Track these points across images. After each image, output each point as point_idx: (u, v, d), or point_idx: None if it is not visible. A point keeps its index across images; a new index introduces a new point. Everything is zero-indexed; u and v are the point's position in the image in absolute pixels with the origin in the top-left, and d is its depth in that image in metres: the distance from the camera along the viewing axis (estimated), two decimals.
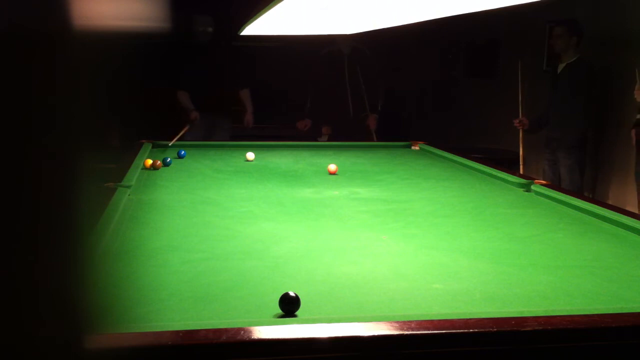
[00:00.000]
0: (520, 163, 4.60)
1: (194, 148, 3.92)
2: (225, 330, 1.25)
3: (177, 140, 3.88)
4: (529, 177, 3.19)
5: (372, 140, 5.00)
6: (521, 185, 2.88)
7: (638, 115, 3.89)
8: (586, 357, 1.36)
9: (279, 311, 1.37)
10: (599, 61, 4.45)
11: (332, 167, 3.24)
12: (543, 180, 3.24)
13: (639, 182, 3.98)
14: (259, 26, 2.84)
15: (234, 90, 5.23)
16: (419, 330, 1.28)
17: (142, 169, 3.11)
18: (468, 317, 1.34)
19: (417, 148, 4.12)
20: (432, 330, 1.28)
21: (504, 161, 4.74)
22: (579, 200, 2.51)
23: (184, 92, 5.02)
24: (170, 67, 5.08)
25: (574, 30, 4.30)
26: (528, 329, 1.29)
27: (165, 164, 3.25)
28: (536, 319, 1.33)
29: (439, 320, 1.33)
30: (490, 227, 2.24)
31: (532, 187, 2.81)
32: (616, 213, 2.28)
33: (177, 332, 1.24)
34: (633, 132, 3.98)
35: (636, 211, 2.71)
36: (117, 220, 2.09)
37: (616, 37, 4.48)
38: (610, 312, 1.41)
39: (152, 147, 3.79)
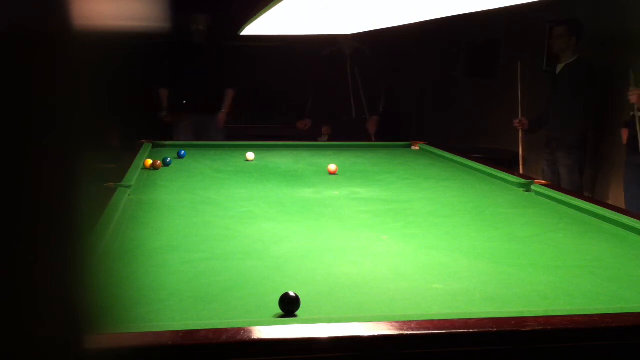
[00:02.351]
0: (520, 163, 4.60)
1: (194, 148, 3.92)
2: (225, 330, 1.25)
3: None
4: (529, 177, 3.19)
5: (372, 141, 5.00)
6: (521, 185, 2.88)
7: (632, 112, 3.86)
8: (586, 357, 1.36)
9: (279, 311, 1.37)
10: (599, 61, 4.45)
11: (332, 167, 3.24)
12: (543, 180, 3.24)
13: (627, 182, 3.95)
14: (259, 26, 2.84)
15: (221, 88, 5.19)
16: (419, 330, 1.28)
17: (142, 169, 3.11)
18: (468, 317, 1.34)
19: (417, 148, 4.12)
20: (432, 330, 1.28)
21: (504, 161, 4.75)
22: (579, 200, 2.51)
23: (164, 89, 4.99)
24: (157, 66, 5.05)
25: (574, 31, 4.30)
26: (528, 329, 1.29)
27: (165, 164, 3.25)
28: (536, 319, 1.33)
29: (439, 320, 1.33)
30: (490, 227, 2.24)
31: (532, 187, 2.81)
32: (616, 213, 2.28)
33: (177, 332, 1.24)
34: (624, 131, 3.96)
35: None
36: (117, 220, 2.09)
37: (616, 37, 4.48)
38: (610, 312, 1.41)
39: (152, 147, 3.79)
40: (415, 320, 1.31)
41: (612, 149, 4.54)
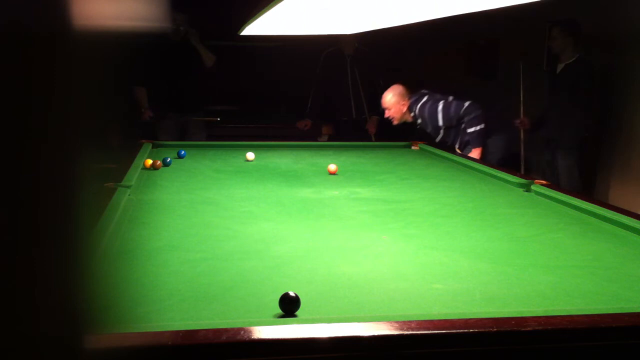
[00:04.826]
0: (522, 163, 4.60)
1: (194, 148, 3.92)
2: (225, 330, 1.25)
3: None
4: (529, 177, 3.19)
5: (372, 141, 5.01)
6: (521, 185, 2.88)
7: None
8: (586, 357, 1.36)
9: (279, 311, 1.37)
10: (599, 61, 4.45)
11: (332, 167, 3.24)
12: (543, 180, 3.24)
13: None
14: (259, 26, 2.84)
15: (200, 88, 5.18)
16: (419, 330, 1.28)
17: (142, 169, 3.11)
18: (468, 317, 1.34)
19: (417, 148, 4.12)
20: (432, 330, 1.28)
21: (504, 161, 4.74)
22: (579, 200, 2.51)
23: (141, 88, 4.98)
24: (140, 64, 5.03)
25: (570, 30, 4.31)
26: (528, 329, 1.29)
27: (165, 164, 3.25)
28: (536, 319, 1.33)
29: (439, 320, 1.33)
30: (490, 227, 2.24)
31: (532, 187, 2.81)
32: (616, 213, 2.28)
33: (177, 332, 1.24)
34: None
35: (636, 211, 2.69)
36: (117, 220, 2.09)
37: (616, 37, 4.48)
38: (610, 312, 1.41)
39: (152, 147, 3.79)
40: (415, 320, 1.31)
41: (611, 149, 4.54)
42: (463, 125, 4.03)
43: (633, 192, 4.19)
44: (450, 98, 4.15)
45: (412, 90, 4.34)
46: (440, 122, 4.11)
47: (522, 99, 4.55)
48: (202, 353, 1.22)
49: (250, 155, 3.57)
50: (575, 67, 4.31)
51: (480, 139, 4.00)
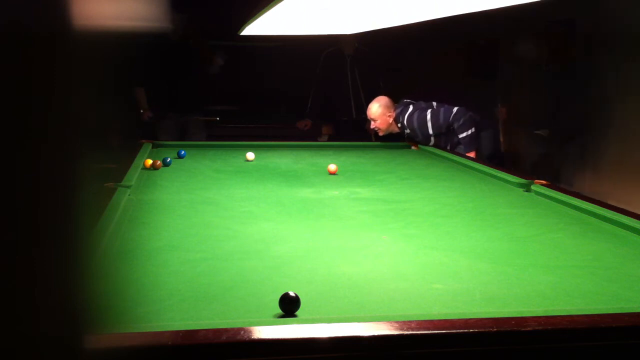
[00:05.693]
0: (503, 158, 4.62)
1: (194, 148, 3.92)
2: (225, 330, 1.25)
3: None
4: (529, 177, 3.19)
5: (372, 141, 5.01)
6: (521, 185, 2.88)
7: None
8: (586, 357, 1.36)
9: (279, 311, 1.37)
10: (596, 61, 4.45)
11: (332, 167, 3.24)
12: (537, 178, 3.24)
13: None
14: (259, 26, 2.84)
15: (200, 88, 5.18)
16: (419, 330, 1.28)
17: (142, 169, 3.11)
18: (468, 317, 1.34)
19: (417, 148, 4.12)
20: (432, 330, 1.28)
21: (504, 161, 4.75)
22: (579, 200, 2.51)
23: (141, 89, 4.98)
24: (141, 64, 5.03)
25: (543, 35, 4.38)
26: (528, 329, 1.29)
27: (165, 164, 3.25)
28: (536, 319, 1.33)
29: (439, 320, 1.33)
30: (490, 227, 2.24)
31: (532, 187, 2.81)
32: (616, 213, 2.28)
33: (177, 332, 1.24)
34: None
35: (636, 211, 2.69)
36: (117, 220, 2.09)
37: (615, 37, 4.48)
38: (610, 312, 1.41)
39: (152, 147, 3.79)
40: (415, 320, 1.31)
41: (610, 148, 4.54)
42: (453, 131, 4.04)
43: (632, 192, 4.19)
44: (435, 104, 4.16)
45: (395, 100, 4.35)
46: (430, 131, 4.12)
47: (497, 89, 4.60)
48: (202, 353, 1.22)
49: (250, 155, 3.57)
50: (568, 67, 4.34)
51: (472, 143, 4.00)
